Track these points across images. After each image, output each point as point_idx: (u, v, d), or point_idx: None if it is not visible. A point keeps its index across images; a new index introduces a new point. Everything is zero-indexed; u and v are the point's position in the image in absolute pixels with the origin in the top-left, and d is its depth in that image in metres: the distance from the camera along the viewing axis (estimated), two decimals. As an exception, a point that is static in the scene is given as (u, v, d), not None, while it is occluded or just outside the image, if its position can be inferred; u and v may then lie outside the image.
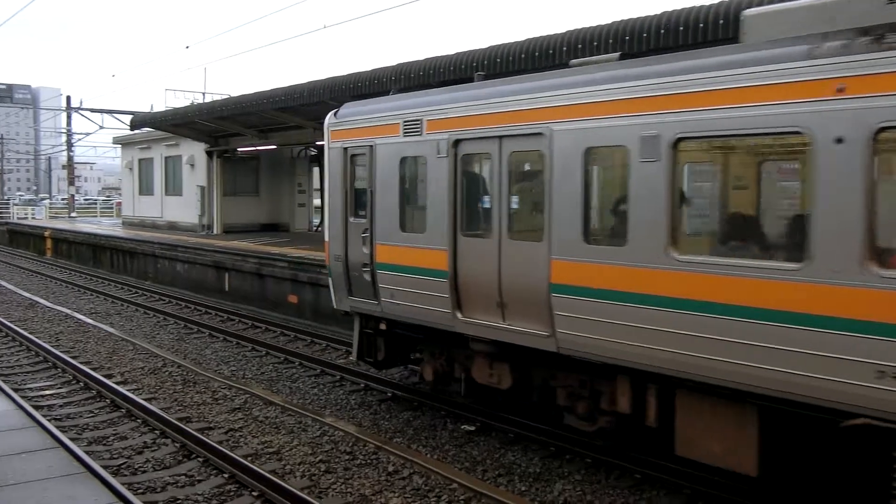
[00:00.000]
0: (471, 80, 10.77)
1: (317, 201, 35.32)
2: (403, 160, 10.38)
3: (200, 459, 9.55)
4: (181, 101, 44.01)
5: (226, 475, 9.03)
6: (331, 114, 11.82)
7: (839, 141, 5.94)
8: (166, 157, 35.38)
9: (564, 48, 13.32)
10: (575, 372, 8.87)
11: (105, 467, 9.01)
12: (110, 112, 47.52)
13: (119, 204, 50.17)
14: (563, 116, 8.19)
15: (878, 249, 5.91)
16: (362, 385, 13.28)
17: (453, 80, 14.53)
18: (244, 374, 14.38)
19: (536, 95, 8.56)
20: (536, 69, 12.73)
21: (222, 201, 31.43)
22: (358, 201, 11.21)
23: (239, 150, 30.36)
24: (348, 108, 11.54)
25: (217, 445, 9.68)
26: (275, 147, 29.06)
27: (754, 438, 7.09)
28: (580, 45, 13.07)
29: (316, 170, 33.91)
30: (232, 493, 8.61)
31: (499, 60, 14.42)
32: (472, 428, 10.87)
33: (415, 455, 9.63)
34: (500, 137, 8.99)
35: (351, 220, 11.33)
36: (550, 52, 13.60)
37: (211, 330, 18.44)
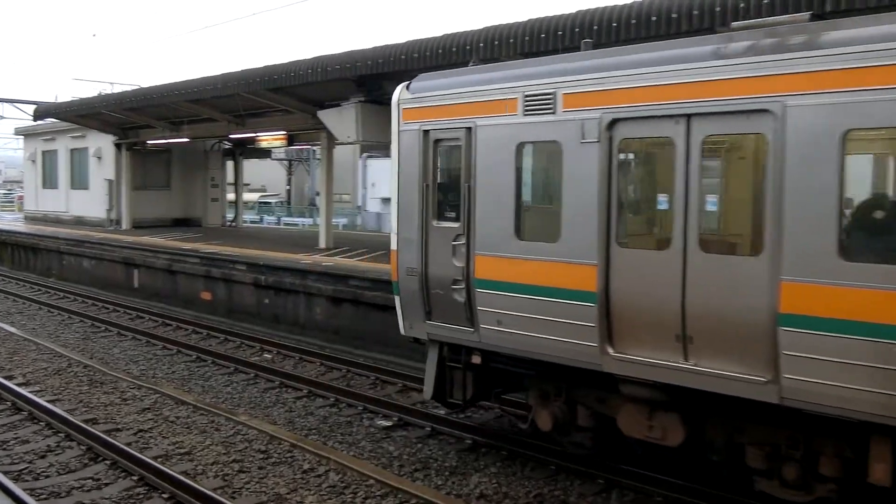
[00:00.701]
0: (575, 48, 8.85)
1: (230, 196, 34.61)
2: (522, 146, 8.16)
3: (108, 462, 9.23)
4: (89, 91, 42.36)
5: (135, 478, 8.75)
6: (400, 88, 9.44)
7: None
8: (72, 150, 34.00)
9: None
10: (785, 427, 6.93)
11: (5, 473, 8.62)
12: (12, 101, 45.38)
13: (21, 198, 47.98)
14: (807, 87, 6.12)
15: None
16: (277, 382, 13.11)
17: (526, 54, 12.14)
18: (154, 374, 13.97)
19: (759, 59, 6.40)
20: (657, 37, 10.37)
21: (131, 195, 30.40)
22: (445, 200, 8.94)
23: (149, 142, 29.43)
24: (428, 80, 9.31)
25: (125, 447, 9.37)
26: (187, 140, 28.31)
27: None
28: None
29: (230, 163, 33.25)
30: (141, 496, 8.36)
31: (633, 21, 11.26)
32: (389, 423, 10.88)
33: (330, 452, 9.54)
34: (689, 116, 6.83)
35: (434, 223, 9.00)
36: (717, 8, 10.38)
37: (119, 328, 17.84)
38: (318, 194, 32.46)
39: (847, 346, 5.92)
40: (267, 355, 15.38)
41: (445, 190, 9.02)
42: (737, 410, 7.10)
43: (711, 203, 6.99)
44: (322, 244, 22.24)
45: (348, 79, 17.26)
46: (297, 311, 17.57)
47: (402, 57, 15.09)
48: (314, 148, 41.08)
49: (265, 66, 18.95)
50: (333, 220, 26.37)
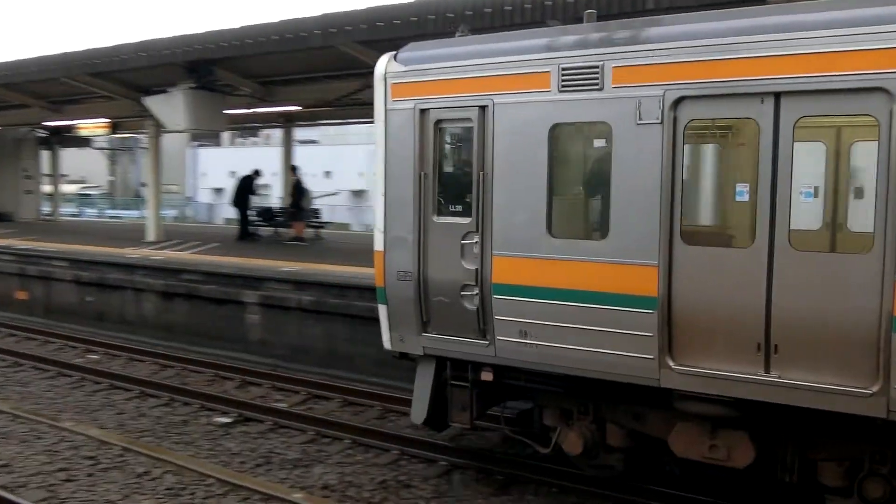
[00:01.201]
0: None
1: (47, 188, 32.21)
2: (557, 128, 7.03)
3: None
4: None
5: (-57, 495, 8.02)
6: (387, 58, 7.94)
7: None
8: None
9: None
10: (869, 442, 6.37)
11: None
12: None
13: None
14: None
15: None
16: (105, 384, 12.40)
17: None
18: (-36, 381, 12.82)
19: (865, 30, 5.64)
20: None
21: (-68, 188, 27.66)
22: (449, 191, 7.72)
23: (-50, 129, 26.86)
24: (425, 50, 7.89)
25: (-69, 463, 8.56)
26: (-5, 127, 26.06)
27: None
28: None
29: (46, 153, 30.89)
30: (-48, 514, 7.67)
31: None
32: (228, 420, 10.58)
33: (166, 453, 9.13)
34: (777, 95, 6.01)
35: (435, 219, 7.72)
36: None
37: (-80, 333, 16.23)
38: (144, 185, 30.82)
39: None
40: (93, 356, 14.48)
41: (450, 180, 7.82)
42: (821, 425, 6.43)
43: (805, 194, 6.34)
44: (151, 237, 21.17)
45: (177, 64, 16.51)
46: (124, 308, 16.63)
47: (236, 43, 14.63)
48: (140, 136, 38.96)
49: (86, 50, 17.78)
50: (162, 212, 25.15)
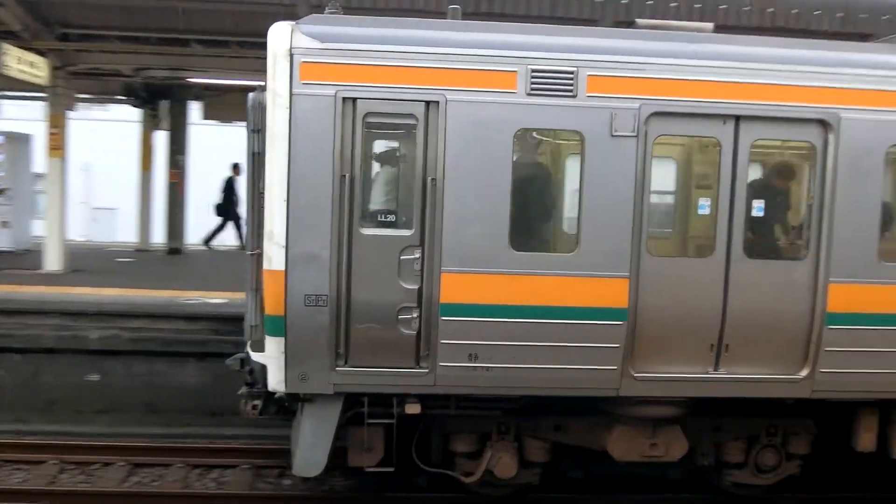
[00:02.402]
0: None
1: None
2: (524, 134, 6.60)
3: None
4: None
5: None
6: (289, 29, 6.37)
7: None
8: None
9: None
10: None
11: None
12: None
13: None
14: (864, 103, 6.59)
15: None
16: None
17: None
18: None
19: (812, 70, 6.58)
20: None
21: None
22: (381, 198, 6.84)
23: None
24: (348, 26, 6.59)
25: None
26: None
27: None
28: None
29: None
30: None
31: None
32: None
33: None
34: (737, 118, 6.55)
35: (363, 231, 6.50)
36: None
37: None
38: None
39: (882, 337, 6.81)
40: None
41: (383, 185, 6.92)
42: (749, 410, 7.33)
43: (758, 209, 6.79)
44: None
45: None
46: None
47: None
48: None
49: None
50: None
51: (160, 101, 18.51)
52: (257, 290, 7.43)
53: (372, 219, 6.70)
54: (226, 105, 18.14)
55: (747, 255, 6.74)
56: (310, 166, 6.39)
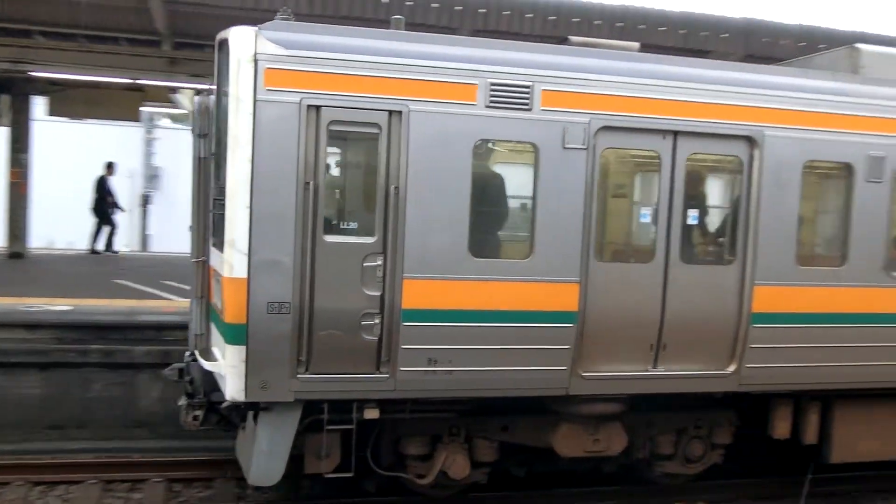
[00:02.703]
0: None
1: None
2: (482, 145, 6.82)
3: None
4: None
5: None
6: (252, 34, 6.30)
7: None
8: None
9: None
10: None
11: None
12: None
13: None
14: (784, 122, 7.26)
15: None
16: None
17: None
18: None
19: (742, 89, 7.20)
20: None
21: None
22: (345, 206, 6.90)
23: None
24: (312, 34, 6.56)
25: None
26: None
27: None
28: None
29: None
30: None
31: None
32: None
33: None
34: (675, 133, 7.09)
35: (327, 238, 6.51)
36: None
37: None
38: None
39: (798, 335, 7.55)
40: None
41: (347, 193, 7.02)
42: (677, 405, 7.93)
43: (692, 217, 7.32)
44: None
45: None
46: None
47: None
48: None
49: None
50: None
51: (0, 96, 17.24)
52: (202, 297, 7.35)
53: (335, 226, 6.71)
54: (74, 101, 17.38)
55: (683, 260, 7.25)
56: (273, 173, 6.33)
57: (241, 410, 7.26)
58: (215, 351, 7.19)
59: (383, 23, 8.09)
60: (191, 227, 7.92)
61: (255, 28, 6.41)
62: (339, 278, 6.54)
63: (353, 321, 6.58)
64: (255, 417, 6.97)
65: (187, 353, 7.90)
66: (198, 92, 7.79)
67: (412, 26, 7.82)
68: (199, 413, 7.79)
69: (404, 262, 6.60)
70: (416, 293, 6.65)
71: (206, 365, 6.88)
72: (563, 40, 7.92)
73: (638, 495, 8.42)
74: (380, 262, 6.58)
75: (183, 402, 7.62)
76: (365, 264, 6.58)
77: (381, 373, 6.69)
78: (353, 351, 6.62)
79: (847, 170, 7.61)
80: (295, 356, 6.51)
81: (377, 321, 6.61)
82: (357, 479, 7.47)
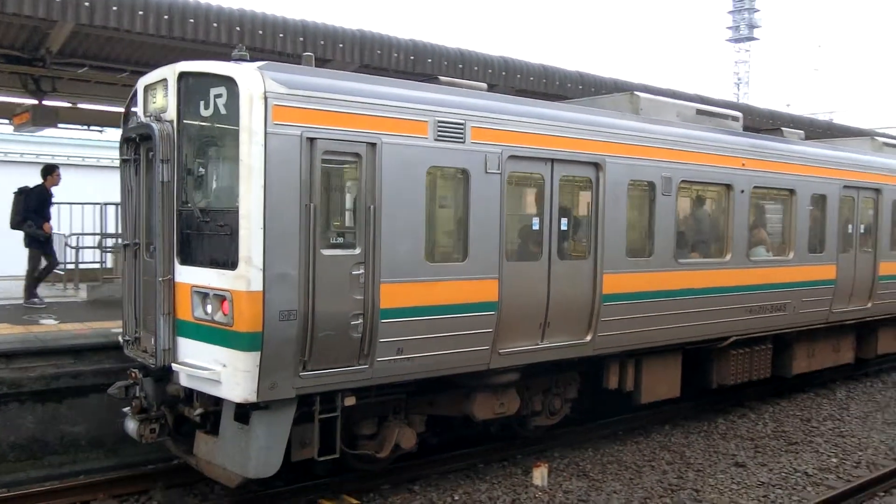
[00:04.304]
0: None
1: None
2: (432, 170, 8.29)
3: None
4: None
5: None
6: (259, 74, 7.18)
7: None
8: None
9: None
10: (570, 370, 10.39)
11: None
12: None
13: None
14: (616, 152, 9.72)
15: None
16: None
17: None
18: None
19: (593, 128, 9.62)
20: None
21: None
22: (335, 223, 8.07)
23: None
24: (311, 76, 7.67)
25: None
26: None
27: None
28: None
29: None
30: None
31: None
32: None
33: None
34: (553, 160, 9.23)
35: (323, 252, 7.52)
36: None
37: None
38: None
39: (631, 308, 10.14)
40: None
41: (336, 212, 8.15)
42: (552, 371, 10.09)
43: (563, 224, 9.47)
44: None
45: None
46: None
47: None
48: None
49: None
50: None
51: None
52: (169, 314, 7.84)
53: (329, 241, 7.77)
54: None
55: (559, 257, 9.45)
56: (281, 197, 7.22)
57: (214, 417, 7.93)
58: (189, 363, 7.74)
59: (295, 58, 9.22)
60: (126, 244, 8.36)
61: (257, 68, 7.28)
62: (334, 286, 7.60)
63: (344, 322, 7.68)
64: (242, 419, 7.69)
65: (135, 370, 8.27)
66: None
67: (322, 63, 9.06)
68: (155, 426, 8.24)
69: (381, 269, 7.87)
70: (389, 295, 7.93)
71: (203, 374, 7.45)
72: (434, 79, 9.64)
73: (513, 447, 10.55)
74: (363, 271, 7.79)
75: (139, 417, 8.07)
76: (352, 273, 7.73)
77: (361, 364, 7.88)
78: (342, 348, 7.70)
79: (650, 186, 10.44)
80: (299, 357, 7.44)
81: (361, 321, 7.79)
82: (311, 463, 8.47)
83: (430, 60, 12.30)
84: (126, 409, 8.47)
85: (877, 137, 17.38)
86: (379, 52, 11.90)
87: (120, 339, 9.14)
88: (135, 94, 8.74)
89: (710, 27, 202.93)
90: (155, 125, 7.83)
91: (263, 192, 7.12)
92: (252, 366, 7.21)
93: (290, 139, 7.27)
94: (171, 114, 7.86)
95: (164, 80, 7.99)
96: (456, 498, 8.94)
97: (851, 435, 11.99)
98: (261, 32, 10.95)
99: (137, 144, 8.47)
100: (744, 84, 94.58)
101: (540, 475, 9.41)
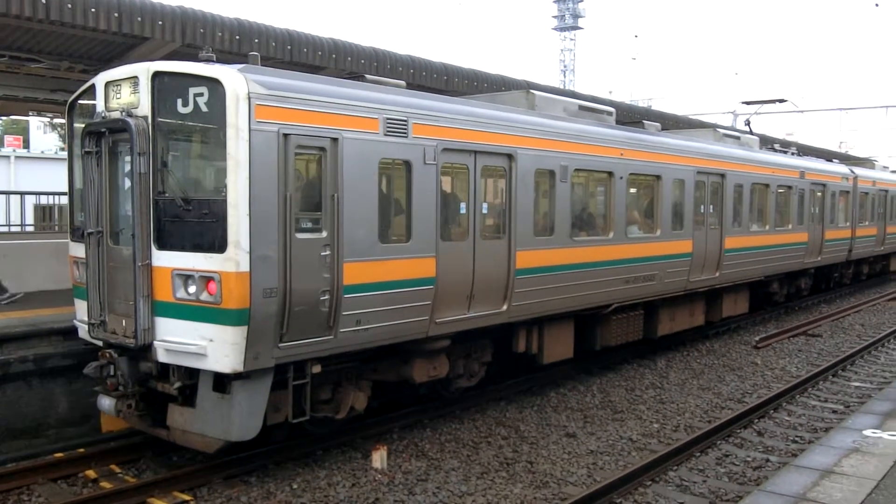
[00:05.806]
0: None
1: None
2: (382, 162, 9.32)
3: None
4: None
5: None
6: (240, 76, 8.03)
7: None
8: None
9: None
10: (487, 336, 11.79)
11: None
12: None
13: None
14: (526, 145, 11.29)
15: None
16: None
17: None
18: None
19: (507, 124, 11.12)
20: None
21: None
22: (307, 210, 8.71)
23: None
24: (286, 78, 8.67)
25: None
26: None
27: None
28: None
29: None
30: None
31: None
32: None
33: None
34: (476, 152, 10.50)
35: (297, 236, 8.42)
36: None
37: None
38: None
39: (539, 280, 11.58)
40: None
41: (308, 200, 8.76)
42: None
43: (485, 208, 10.83)
44: None
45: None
46: None
47: None
48: None
49: None
50: None
51: None
52: (148, 296, 8.50)
53: (303, 226, 8.57)
54: None
55: (482, 237, 10.78)
56: (263, 187, 8.07)
57: (189, 390, 8.67)
58: (171, 340, 8.44)
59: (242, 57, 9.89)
60: (91, 233, 8.88)
61: (237, 70, 8.09)
62: (306, 266, 8.50)
63: (315, 298, 8.62)
64: (219, 389, 8.49)
65: (109, 351, 8.84)
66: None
67: (268, 62, 9.86)
68: (131, 402, 8.87)
69: (344, 250, 8.85)
70: (351, 273, 8.92)
71: (190, 349, 8.18)
72: (359, 77, 10.63)
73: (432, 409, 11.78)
74: (329, 252, 8.74)
75: (106, 394, 8.74)
76: (321, 254, 8.66)
77: (327, 335, 8.82)
78: (313, 320, 8.64)
79: (551, 174, 11.98)
80: (278, 330, 8.33)
81: (328, 296, 8.75)
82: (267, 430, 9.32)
83: (305, 50, 12.97)
84: (98, 388, 9.02)
85: (718, 129, 20.02)
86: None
87: (77, 322, 9.59)
88: (92, 89, 9.19)
89: (536, 16, 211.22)
90: (131, 120, 8.40)
91: (249, 182, 7.95)
92: (240, 339, 8.05)
93: (270, 135, 8.12)
94: (145, 110, 8.48)
95: (135, 77, 8.56)
96: (294, 486, 8.97)
97: (671, 401, 12.86)
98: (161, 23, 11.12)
99: (99, 137, 8.96)
100: (569, 71, 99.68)
101: (379, 458, 9.57)
